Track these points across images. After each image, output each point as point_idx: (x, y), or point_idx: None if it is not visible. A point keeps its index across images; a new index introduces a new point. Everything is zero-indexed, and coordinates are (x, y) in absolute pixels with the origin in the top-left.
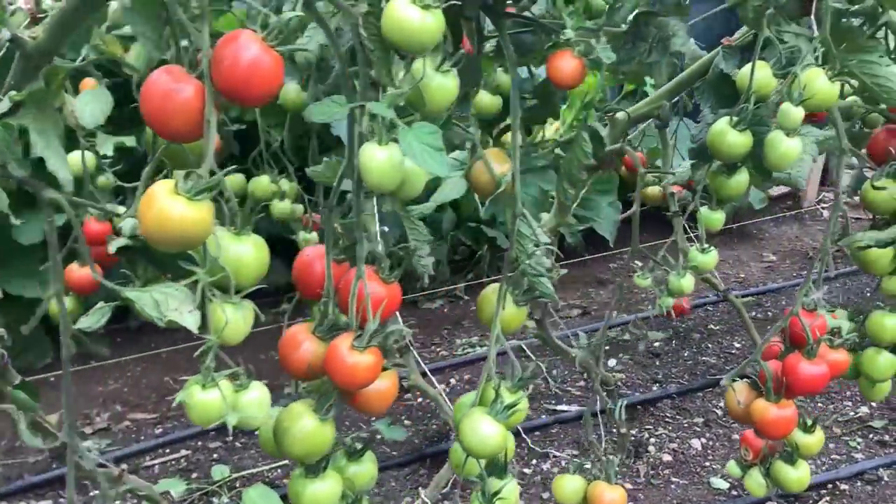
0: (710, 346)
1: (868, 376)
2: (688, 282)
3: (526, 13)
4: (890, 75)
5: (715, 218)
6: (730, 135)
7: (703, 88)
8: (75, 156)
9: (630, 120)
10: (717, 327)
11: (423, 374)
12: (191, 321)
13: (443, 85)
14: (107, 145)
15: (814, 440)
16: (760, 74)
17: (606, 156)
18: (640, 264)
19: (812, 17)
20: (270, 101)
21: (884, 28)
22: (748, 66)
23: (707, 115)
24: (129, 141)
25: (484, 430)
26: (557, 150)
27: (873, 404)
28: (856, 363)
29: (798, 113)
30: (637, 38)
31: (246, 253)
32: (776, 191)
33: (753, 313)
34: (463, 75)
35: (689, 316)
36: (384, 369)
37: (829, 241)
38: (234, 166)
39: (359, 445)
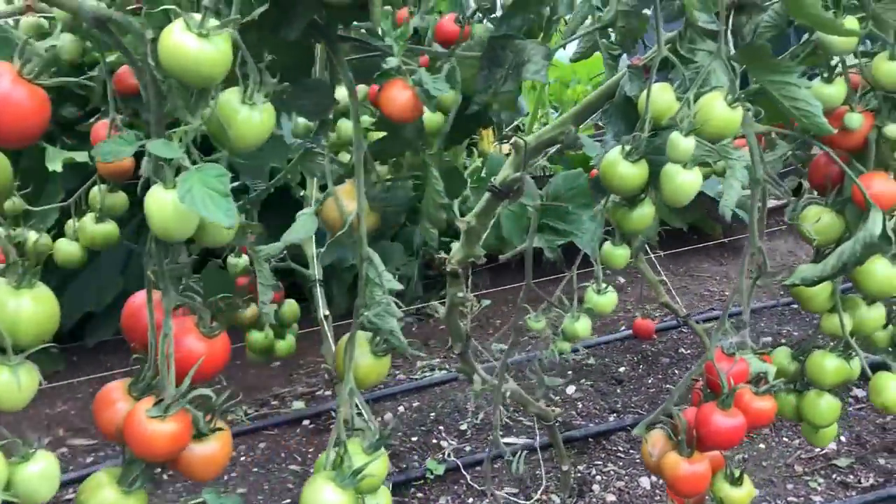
0: (677, 372)
1: (810, 422)
2: (583, 325)
3: (367, 35)
4: (809, 98)
5: (618, 254)
6: (621, 166)
7: (609, 112)
8: None
9: (534, 146)
10: (689, 351)
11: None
12: None
13: (249, 119)
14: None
15: (742, 493)
16: (662, 98)
17: (510, 184)
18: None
19: (728, 33)
20: (32, 142)
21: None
22: (653, 88)
23: (608, 142)
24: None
25: (326, 500)
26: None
27: (842, 439)
28: (797, 406)
29: (687, 144)
30: (493, 63)
31: (25, 308)
32: (771, 203)
33: (729, 336)
34: (315, 102)
35: (659, 339)
36: (217, 430)
37: (743, 280)
38: None
39: None
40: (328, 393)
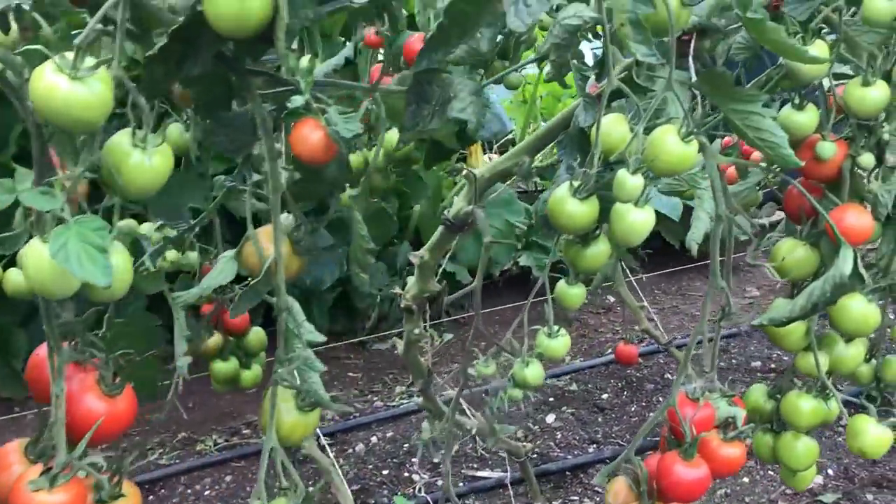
0: (661, 399)
1: (786, 465)
2: (534, 372)
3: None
4: (774, 129)
5: (573, 294)
6: (569, 203)
7: (564, 143)
8: None
9: (488, 178)
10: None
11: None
12: None
13: (141, 164)
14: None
15: None
16: (616, 130)
17: (464, 217)
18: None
19: (690, 59)
20: None
21: None
22: (604, 120)
23: (561, 175)
24: None
25: None
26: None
27: (829, 472)
28: (774, 449)
29: (635, 183)
30: (420, 99)
31: None
32: (768, 218)
33: (718, 361)
34: (233, 138)
35: (645, 363)
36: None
37: (704, 323)
38: None
39: None
40: None
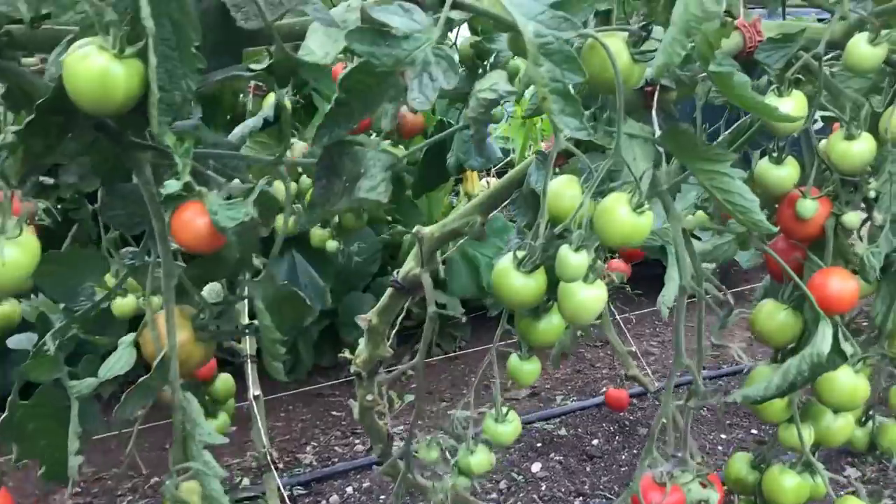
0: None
1: None
2: (480, 460)
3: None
4: (744, 192)
5: (526, 371)
6: (513, 277)
7: (518, 203)
8: None
9: (438, 237)
10: None
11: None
12: None
13: None
14: None
15: None
16: (568, 193)
17: (413, 280)
18: None
19: (654, 112)
20: None
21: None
22: (553, 183)
23: (511, 241)
24: None
25: None
26: None
27: None
28: None
29: (578, 261)
30: (331, 173)
31: None
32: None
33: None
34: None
35: (639, 405)
36: None
37: (669, 404)
38: None
39: None
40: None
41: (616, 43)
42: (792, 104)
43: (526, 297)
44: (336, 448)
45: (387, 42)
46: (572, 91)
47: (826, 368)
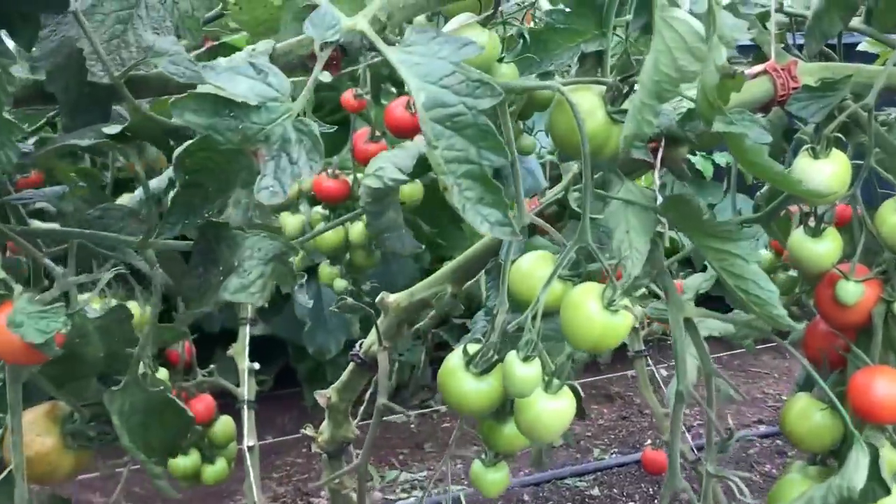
0: None
1: None
2: None
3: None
4: (759, 278)
5: (490, 480)
6: (461, 379)
7: (492, 274)
8: None
9: (405, 307)
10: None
11: None
12: None
13: None
14: None
15: None
16: (538, 274)
17: (374, 355)
18: None
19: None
20: None
21: None
22: (522, 260)
23: (477, 323)
24: None
25: None
26: None
27: None
28: None
29: (527, 374)
30: (207, 261)
31: None
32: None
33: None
34: None
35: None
36: None
37: None
38: None
39: None
40: None
41: (590, 99)
42: (831, 169)
43: (477, 403)
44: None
45: (232, 113)
46: (490, 175)
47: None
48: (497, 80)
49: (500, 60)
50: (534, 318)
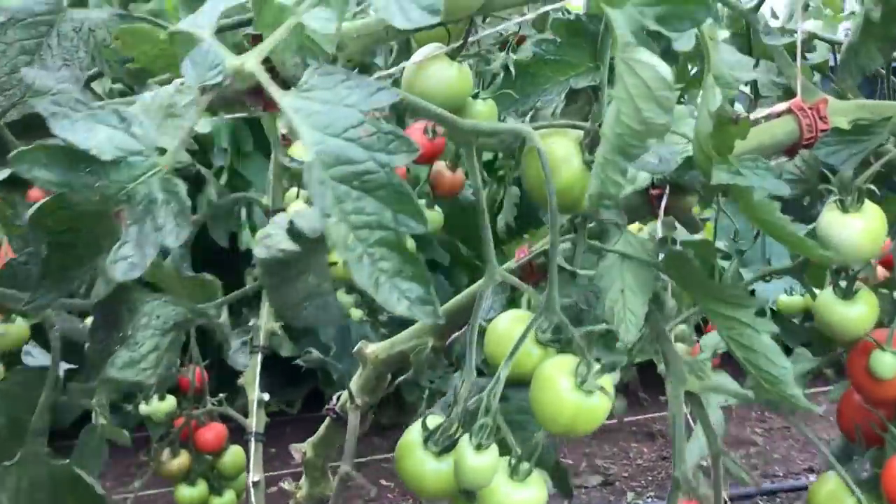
0: None
1: None
2: None
3: None
4: (771, 352)
5: None
6: (418, 458)
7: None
8: None
9: (384, 359)
10: None
11: None
12: None
13: None
14: None
15: None
16: (511, 335)
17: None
18: None
19: (659, 224)
20: None
21: None
22: (499, 319)
23: (453, 382)
24: None
25: None
26: None
27: None
28: None
29: (478, 465)
30: (110, 325)
31: None
32: None
33: None
34: None
35: None
36: None
37: None
38: None
39: None
40: None
41: (565, 146)
42: (862, 225)
43: (435, 487)
44: None
45: (89, 168)
46: (408, 244)
47: None
48: (464, 123)
49: (476, 96)
50: (495, 395)
